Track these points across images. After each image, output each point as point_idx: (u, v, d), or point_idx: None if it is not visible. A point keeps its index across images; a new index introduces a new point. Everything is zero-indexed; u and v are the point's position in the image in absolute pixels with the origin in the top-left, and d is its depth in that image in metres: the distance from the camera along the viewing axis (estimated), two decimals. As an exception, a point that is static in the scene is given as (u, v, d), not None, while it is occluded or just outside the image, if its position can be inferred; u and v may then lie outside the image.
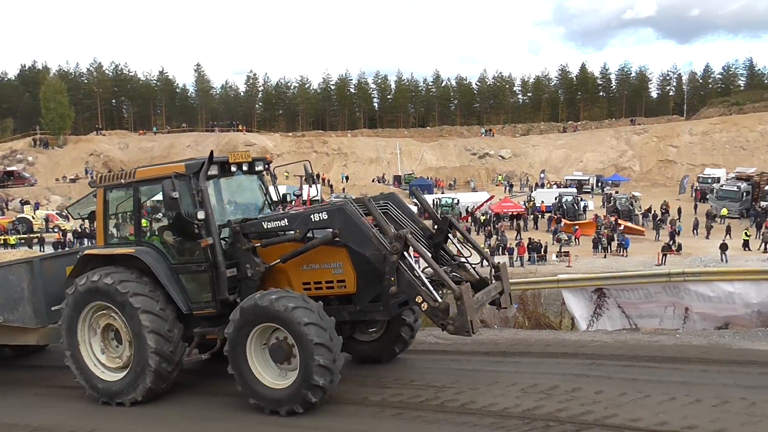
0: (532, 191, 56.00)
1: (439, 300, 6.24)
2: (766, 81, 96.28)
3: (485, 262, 7.58)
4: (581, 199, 47.54)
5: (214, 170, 7.29)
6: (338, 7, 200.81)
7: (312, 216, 6.89)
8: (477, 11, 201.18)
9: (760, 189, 46.70)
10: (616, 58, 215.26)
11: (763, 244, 34.02)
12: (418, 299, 6.25)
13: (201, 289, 7.35)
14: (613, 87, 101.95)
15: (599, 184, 58.62)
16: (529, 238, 35.53)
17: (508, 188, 62.49)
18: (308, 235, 6.94)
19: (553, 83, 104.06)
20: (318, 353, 6.24)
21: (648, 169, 68.06)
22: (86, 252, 7.89)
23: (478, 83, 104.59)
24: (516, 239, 37.05)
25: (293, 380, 6.50)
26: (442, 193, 56.89)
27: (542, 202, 47.36)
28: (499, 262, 7.64)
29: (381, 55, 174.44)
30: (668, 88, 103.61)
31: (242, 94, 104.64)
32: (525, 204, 47.96)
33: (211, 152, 7.47)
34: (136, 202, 7.65)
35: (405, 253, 6.36)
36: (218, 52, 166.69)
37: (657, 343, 8.42)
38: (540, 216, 44.82)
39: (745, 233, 35.00)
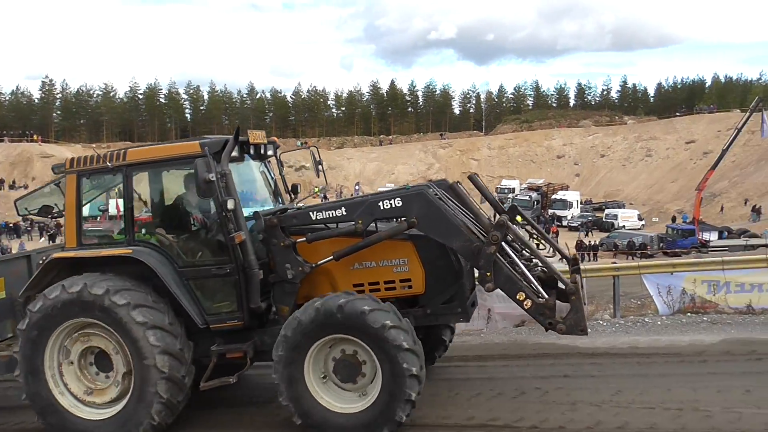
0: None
1: (546, 296, 5.43)
2: (549, 102, 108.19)
3: (553, 255, 6.88)
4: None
5: (235, 151, 5.94)
6: (143, 13, 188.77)
7: (380, 203, 5.74)
8: (289, 25, 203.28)
9: (547, 198, 52.83)
10: (423, 76, 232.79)
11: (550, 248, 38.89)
12: (520, 296, 5.39)
13: (221, 297, 6.00)
14: (421, 103, 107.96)
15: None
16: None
17: (324, 200, 62.85)
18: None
19: (365, 98, 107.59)
20: (407, 361, 5.23)
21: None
22: (56, 256, 6.01)
23: (293, 96, 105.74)
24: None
25: (374, 399, 5.37)
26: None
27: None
28: (574, 254, 6.95)
29: (192, 65, 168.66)
30: (469, 105, 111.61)
31: (36, 101, 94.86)
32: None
33: (238, 128, 6.02)
34: (127, 190, 6.09)
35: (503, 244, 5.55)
36: (5, 55, 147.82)
37: (465, 343, 8.92)
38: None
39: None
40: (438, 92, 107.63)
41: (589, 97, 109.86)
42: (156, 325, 5.64)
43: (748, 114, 43.77)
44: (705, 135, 69.00)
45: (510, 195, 55.03)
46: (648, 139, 74.01)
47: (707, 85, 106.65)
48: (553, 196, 53.28)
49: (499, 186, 62.13)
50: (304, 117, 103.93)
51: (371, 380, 5.47)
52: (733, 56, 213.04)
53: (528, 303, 5.37)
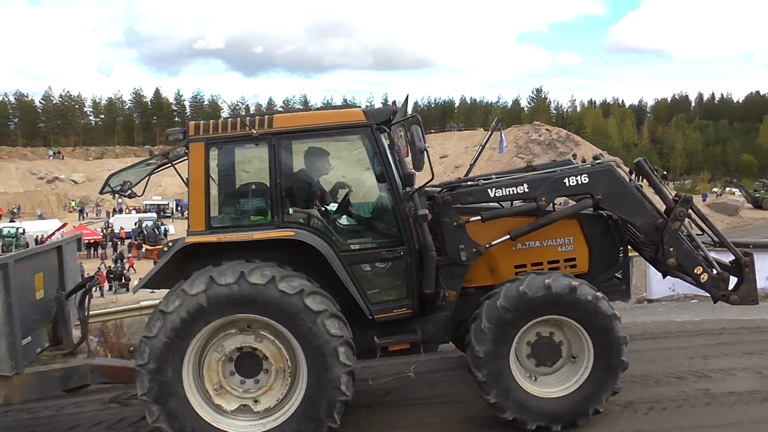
0: (109, 217, 52.85)
1: (719, 269, 5.49)
2: None
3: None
4: (162, 224, 46.23)
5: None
6: None
7: (566, 180, 5.45)
8: (37, 23, 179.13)
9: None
10: (191, 85, 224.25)
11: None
12: (698, 270, 5.44)
13: (387, 283, 5.36)
14: (188, 113, 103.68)
15: (179, 208, 57.13)
16: (109, 267, 33.85)
17: (82, 215, 57.76)
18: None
19: (127, 106, 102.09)
20: (619, 329, 5.07)
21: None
22: (190, 241, 4.89)
23: (42, 101, 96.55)
24: (98, 268, 33.94)
25: (579, 385, 5.09)
26: (10, 221, 49.00)
27: (122, 228, 45.38)
28: (751, 244, 7.19)
29: None
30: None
31: None
32: (103, 231, 45.61)
33: (407, 96, 5.69)
34: (274, 162, 5.14)
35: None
36: None
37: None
38: (120, 242, 42.93)
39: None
40: (206, 103, 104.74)
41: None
42: (334, 314, 4.85)
43: (489, 133, 50.76)
44: (456, 150, 74.08)
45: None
46: (408, 153, 79.54)
47: (456, 105, 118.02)
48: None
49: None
50: (56, 124, 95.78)
51: (570, 361, 5.26)
52: (477, 81, 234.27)
53: (705, 276, 5.48)
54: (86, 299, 5.60)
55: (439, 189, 5.63)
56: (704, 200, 48.99)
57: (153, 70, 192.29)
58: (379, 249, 5.36)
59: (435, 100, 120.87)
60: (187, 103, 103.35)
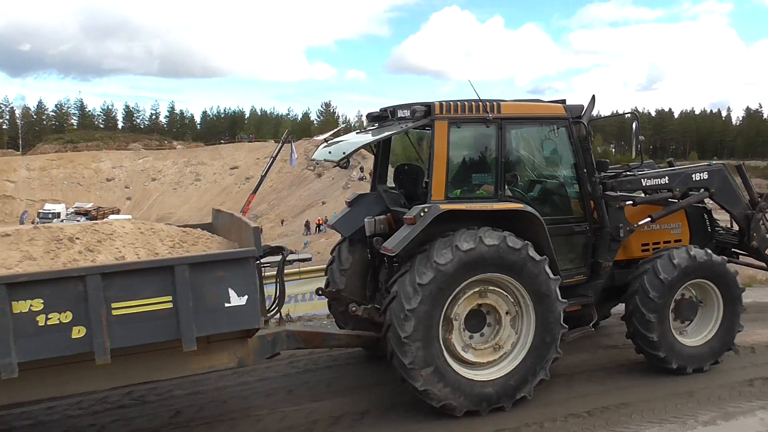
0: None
1: None
2: (96, 122, 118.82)
3: None
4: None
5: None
6: None
7: (693, 175, 8.21)
8: None
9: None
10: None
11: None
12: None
13: (572, 253, 7.51)
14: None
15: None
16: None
17: None
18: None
19: None
20: (742, 294, 7.84)
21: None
22: (445, 207, 6.52)
23: None
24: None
25: (711, 336, 7.82)
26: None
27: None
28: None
29: None
30: (1, 120, 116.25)
31: None
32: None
33: (593, 96, 7.67)
34: (500, 143, 6.96)
35: None
36: None
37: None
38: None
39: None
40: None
41: (138, 121, 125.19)
42: (549, 262, 6.76)
43: (280, 145, 58.45)
44: (246, 162, 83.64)
45: (55, 220, 54.97)
46: (197, 164, 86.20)
47: (246, 116, 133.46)
48: (104, 220, 74.12)
49: (41, 210, 64.63)
50: None
51: (702, 318, 7.93)
52: (267, 92, 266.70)
53: None
54: (283, 266, 6.65)
55: (600, 177, 7.57)
56: None
57: None
58: (570, 224, 7.50)
59: (225, 110, 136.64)
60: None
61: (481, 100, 7.02)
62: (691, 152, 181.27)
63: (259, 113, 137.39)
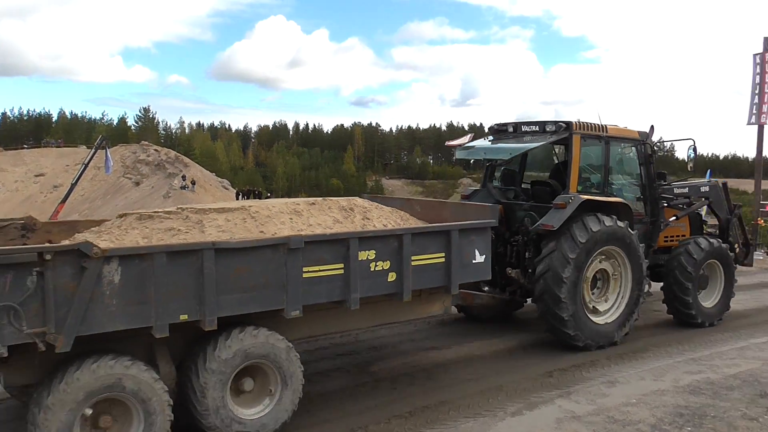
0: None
1: (743, 248, 12.25)
2: None
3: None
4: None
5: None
6: None
7: (700, 188, 11.99)
8: None
9: None
10: None
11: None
12: (736, 246, 11.90)
13: (642, 238, 10.10)
14: None
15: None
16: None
17: None
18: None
19: None
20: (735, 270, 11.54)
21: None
22: (585, 198, 9.17)
23: None
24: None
25: (718, 300, 11.31)
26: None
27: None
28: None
29: None
30: None
31: None
32: None
33: (652, 127, 10.86)
34: (605, 156, 9.95)
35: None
36: None
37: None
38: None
39: None
40: None
41: None
42: (644, 254, 9.94)
43: (93, 151, 55.40)
44: (54, 168, 79.44)
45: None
46: (-6, 170, 75.74)
47: (54, 119, 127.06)
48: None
49: None
50: None
51: (710, 287, 11.29)
52: (78, 94, 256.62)
53: (737, 251, 11.98)
54: None
55: (658, 184, 10.77)
56: None
57: None
58: (639, 215, 10.33)
59: (29, 112, 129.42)
60: None
61: (593, 125, 9.85)
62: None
63: (69, 116, 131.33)
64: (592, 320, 9.31)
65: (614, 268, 9.65)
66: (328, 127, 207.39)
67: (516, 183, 10.98)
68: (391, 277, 6.96)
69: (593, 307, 9.47)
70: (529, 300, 10.04)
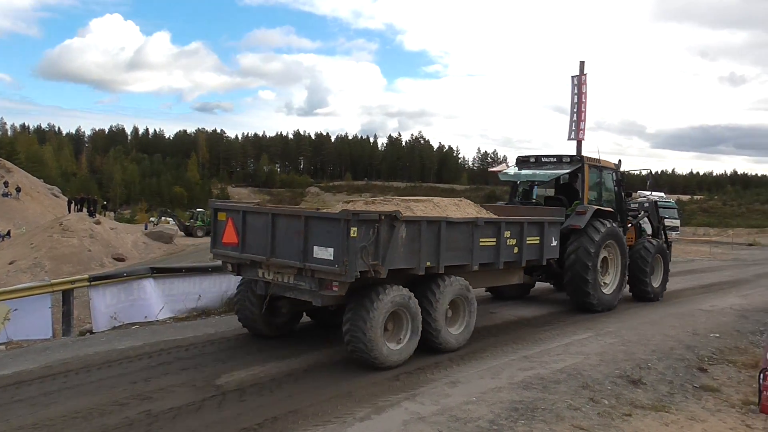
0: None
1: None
2: None
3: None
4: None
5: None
6: None
7: (645, 204, 16.65)
8: None
9: None
10: None
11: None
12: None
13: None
14: None
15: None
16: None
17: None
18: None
19: None
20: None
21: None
22: (597, 208, 13.46)
23: None
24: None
25: (660, 281, 16.06)
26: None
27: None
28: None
29: None
30: None
31: None
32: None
33: (650, 170, 18.04)
34: (600, 180, 14.38)
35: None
36: None
37: None
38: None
39: None
40: None
41: None
42: (627, 241, 14.08)
43: None
44: None
45: None
46: None
47: None
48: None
49: None
50: None
51: (656, 272, 16.08)
52: None
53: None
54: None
55: (627, 201, 15.28)
56: (145, 229, 56.10)
57: None
58: (618, 221, 14.02)
59: None
60: None
61: (594, 159, 14.38)
62: (347, 173, 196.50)
63: None
64: (602, 291, 13.36)
65: (611, 256, 13.73)
66: (170, 133, 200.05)
67: (530, 198, 15.05)
68: (516, 250, 10.96)
69: (602, 282, 13.48)
70: (546, 283, 14.54)
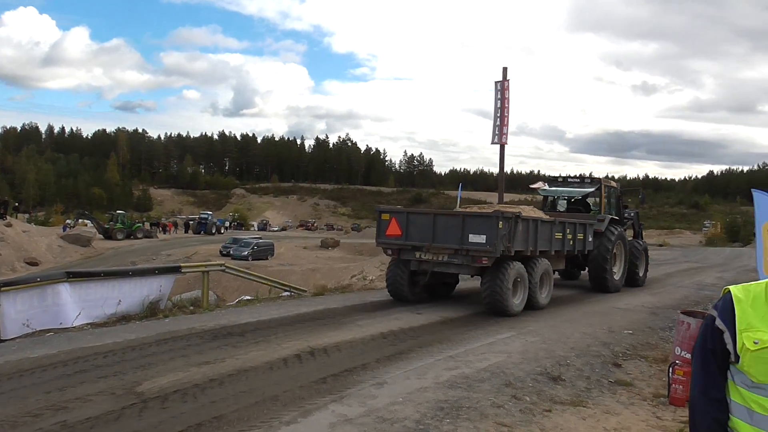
0: None
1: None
2: None
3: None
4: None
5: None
6: None
7: (631, 213, 21.55)
8: None
9: None
10: None
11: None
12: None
13: None
14: None
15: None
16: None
17: None
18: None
19: None
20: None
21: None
22: (611, 216, 18.34)
23: None
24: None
25: (644, 273, 21.14)
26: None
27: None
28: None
29: None
30: None
31: None
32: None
33: (643, 190, 27.60)
34: (609, 196, 18.92)
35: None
36: None
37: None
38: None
39: None
40: None
41: None
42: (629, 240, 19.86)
43: None
44: None
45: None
46: None
47: None
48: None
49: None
50: None
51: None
52: None
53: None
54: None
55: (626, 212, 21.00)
56: (64, 231, 56.16)
57: None
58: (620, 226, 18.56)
59: None
60: None
61: (606, 179, 20.02)
62: (273, 175, 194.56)
63: None
64: (615, 278, 17.70)
65: (618, 252, 17.95)
66: (88, 132, 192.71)
67: (555, 208, 19.65)
68: (570, 242, 15.60)
69: (614, 271, 17.67)
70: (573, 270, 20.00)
